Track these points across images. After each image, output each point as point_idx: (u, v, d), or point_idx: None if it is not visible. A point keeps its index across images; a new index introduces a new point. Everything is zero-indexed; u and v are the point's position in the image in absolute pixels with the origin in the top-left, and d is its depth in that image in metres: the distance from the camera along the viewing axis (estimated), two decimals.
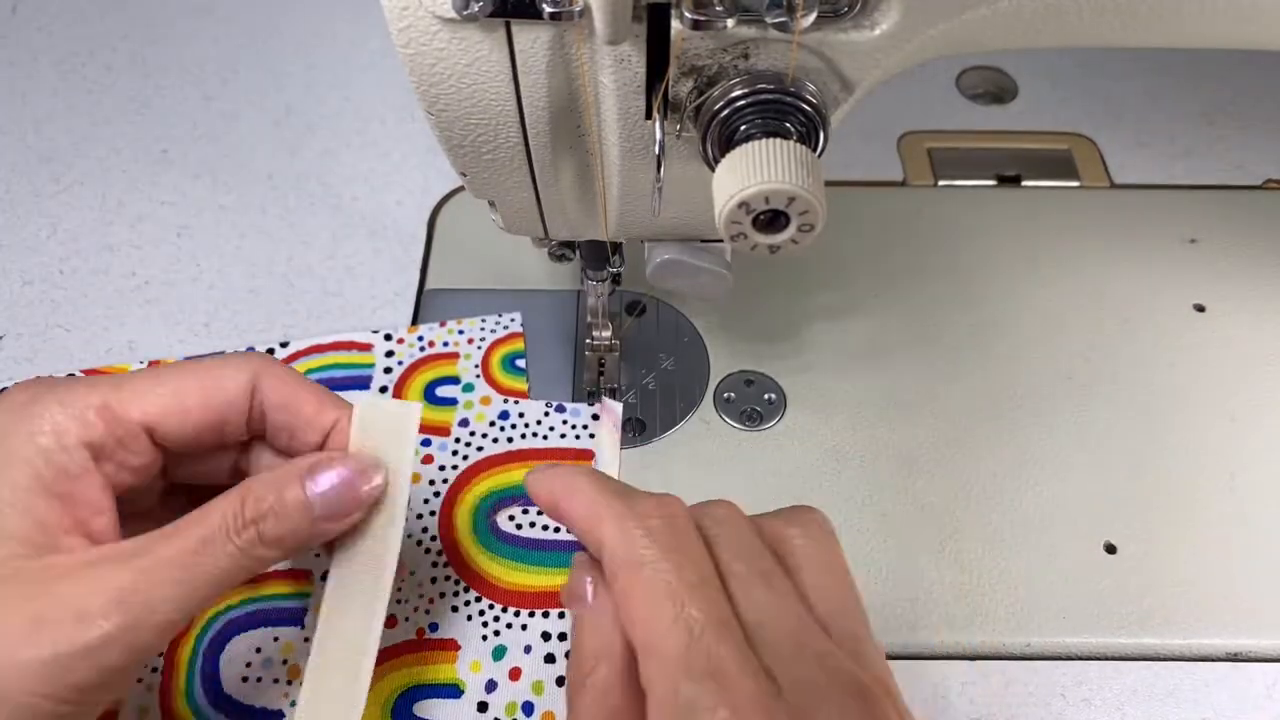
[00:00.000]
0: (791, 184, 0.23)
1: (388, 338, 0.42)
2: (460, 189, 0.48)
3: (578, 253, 0.36)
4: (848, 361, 0.41)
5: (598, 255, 0.36)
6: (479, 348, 0.41)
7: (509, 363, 0.41)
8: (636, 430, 0.39)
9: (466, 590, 0.34)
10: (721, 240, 0.32)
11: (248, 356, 0.27)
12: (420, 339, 0.42)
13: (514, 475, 0.37)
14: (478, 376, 0.41)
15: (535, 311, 0.43)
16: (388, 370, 0.41)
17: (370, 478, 0.26)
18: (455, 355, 0.41)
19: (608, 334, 0.40)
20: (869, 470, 0.38)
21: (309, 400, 0.27)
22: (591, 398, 0.40)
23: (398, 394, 0.40)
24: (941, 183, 0.48)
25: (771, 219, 0.24)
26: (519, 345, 0.42)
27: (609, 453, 0.38)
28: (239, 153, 0.49)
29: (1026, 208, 0.47)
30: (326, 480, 0.25)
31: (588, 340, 0.40)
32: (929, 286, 0.44)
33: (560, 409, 0.39)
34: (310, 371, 0.41)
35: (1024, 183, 0.48)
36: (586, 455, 0.37)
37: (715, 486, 0.38)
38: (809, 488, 0.38)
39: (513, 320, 0.43)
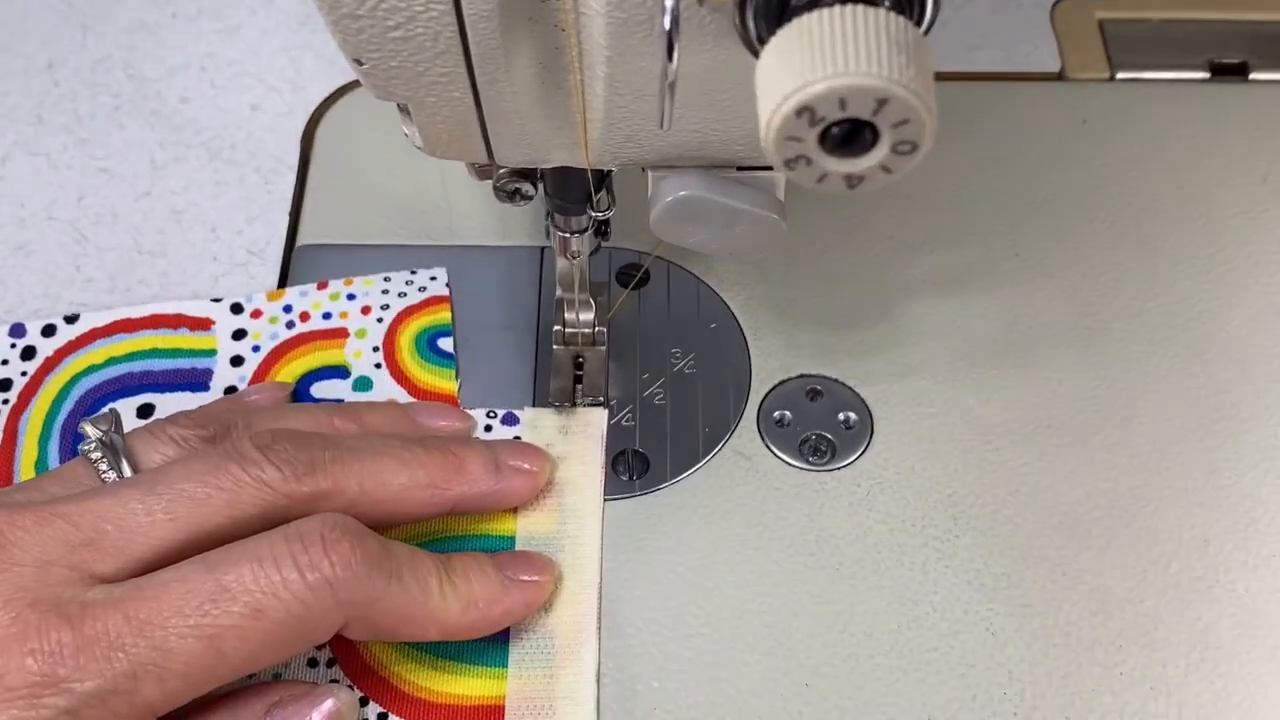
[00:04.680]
0: (882, 77, 0.23)
1: (237, 309, 0.42)
2: (354, 85, 0.48)
3: (540, 188, 0.36)
4: (971, 362, 0.41)
5: (572, 192, 0.36)
6: (380, 320, 0.42)
7: (427, 344, 0.41)
8: (635, 470, 0.39)
9: (365, 704, 0.35)
10: (770, 168, 0.32)
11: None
12: (287, 309, 0.42)
13: (437, 524, 0.38)
14: (377, 366, 0.41)
15: (473, 280, 0.43)
16: (238, 360, 0.41)
17: (321, 700, 0.33)
18: (343, 333, 0.41)
19: (589, 316, 0.40)
20: (1004, 535, 0.38)
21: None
22: (560, 406, 0.40)
23: None
24: (1121, 75, 0.48)
25: (849, 134, 0.24)
26: (443, 316, 0.42)
27: (591, 478, 0.38)
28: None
29: (1257, 114, 0.47)
30: None
31: (557, 326, 0.40)
32: (1100, 242, 0.44)
33: (510, 420, 0.40)
34: (112, 361, 0.41)
35: (1251, 75, 0.48)
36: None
37: (760, 564, 0.38)
38: (908, 563, 0.37)
39: (433, 279, 0.43)
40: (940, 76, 0.24)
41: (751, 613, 0.37)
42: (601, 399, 0.40)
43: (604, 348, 0.41)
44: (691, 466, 0.39)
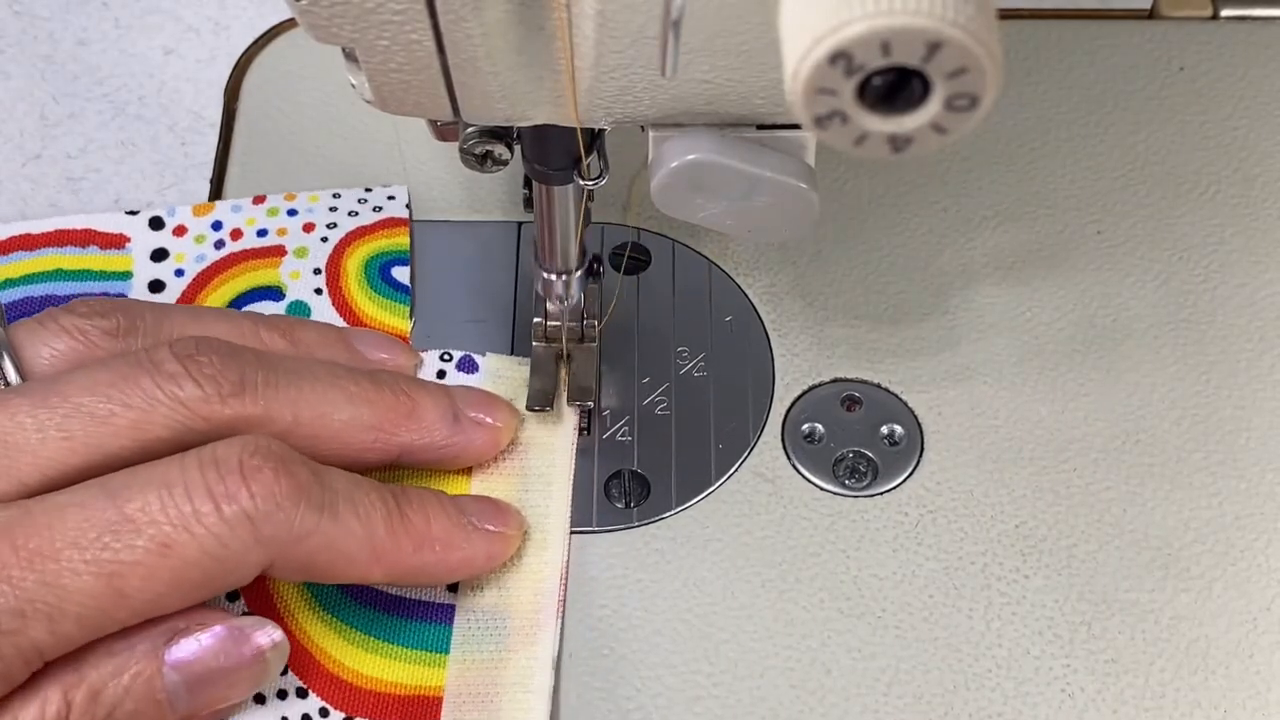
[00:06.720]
0: (934, 16, 0.23)
1: (157, 224, 0.42)
2: (288, 26, 0.48)
3: (516, 150, 0.36)
4: (1042, 363, 0.41)
5: (556, 156, 0.36)
6: (325, 239, 0.42)
7: (379, 272, 0.42)
8: (633, 496, 0.39)
9: (283, 672, 0.35)
10: (797, 127, 0.32)
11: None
12: (217, 226, 0.42)
13: (374, 478, 0.38)
14: (318, 292, 0.41)
15: (436, 263, 0.43)
16: (157, 285, 0.42)
17: (250, 637, 0.33)
18: (280, 250, 0.42)
19: (576, 305, 0.40)
20: (1083, 575, 0.38)
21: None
22: (540, 410, 0.40)
23: None
24: (1225, 12, 0.48)
25: (894, 85, 0.24)
26: (400, 241, 0.43)
27: (561, 439, 0.39)
28: None
29: None
30: (189, 649, 0.33)
31: (537, 319, 0.40)
32: (1200, 216, 0.44)
33: (468, 366, 0.41)
34: (9, 284, 0.41)
35: None
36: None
37: (786, 610, 0.38)
38: (966, 610, 0.37)
39: (391, 199, 0.44)
40: (1004, 14, 0.24)
41: (775, 669, 0.37)
42: (589, 407, 0.40)
43: (595, 345, 0.41)
44: (701, 491, 0.39)
